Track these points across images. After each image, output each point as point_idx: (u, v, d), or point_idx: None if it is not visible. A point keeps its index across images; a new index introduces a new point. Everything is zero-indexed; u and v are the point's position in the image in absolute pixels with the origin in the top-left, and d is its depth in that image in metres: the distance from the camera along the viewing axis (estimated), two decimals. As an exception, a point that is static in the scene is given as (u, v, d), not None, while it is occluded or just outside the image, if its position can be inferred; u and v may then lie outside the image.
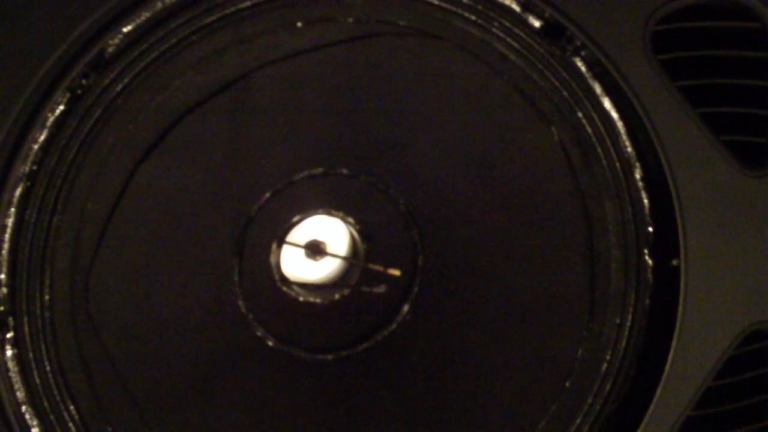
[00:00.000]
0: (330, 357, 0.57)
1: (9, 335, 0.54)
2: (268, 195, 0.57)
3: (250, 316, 0.56)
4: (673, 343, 0.54)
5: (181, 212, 0.55)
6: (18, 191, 0.54)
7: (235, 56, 0.54)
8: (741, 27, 0.55)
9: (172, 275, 0.55)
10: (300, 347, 0.57)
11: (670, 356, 0.54)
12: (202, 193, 0.55)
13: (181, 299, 0.55)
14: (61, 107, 0.54)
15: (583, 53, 0.55)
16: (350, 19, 0.55)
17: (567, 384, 0.56)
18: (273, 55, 0.55)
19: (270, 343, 0.56)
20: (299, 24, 0.55)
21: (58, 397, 0.54)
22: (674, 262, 0.55)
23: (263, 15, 0.54)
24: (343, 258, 0.58)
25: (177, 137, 0.54)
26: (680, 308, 0.54)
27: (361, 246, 0.57)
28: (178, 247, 0.56)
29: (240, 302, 0.56)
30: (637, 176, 0.56)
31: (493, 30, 0.55)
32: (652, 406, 0.54)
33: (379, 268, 0.57)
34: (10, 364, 0.54)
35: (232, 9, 0.54)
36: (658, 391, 0.54)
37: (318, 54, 0.55)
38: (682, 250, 0.54)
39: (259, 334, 0.56)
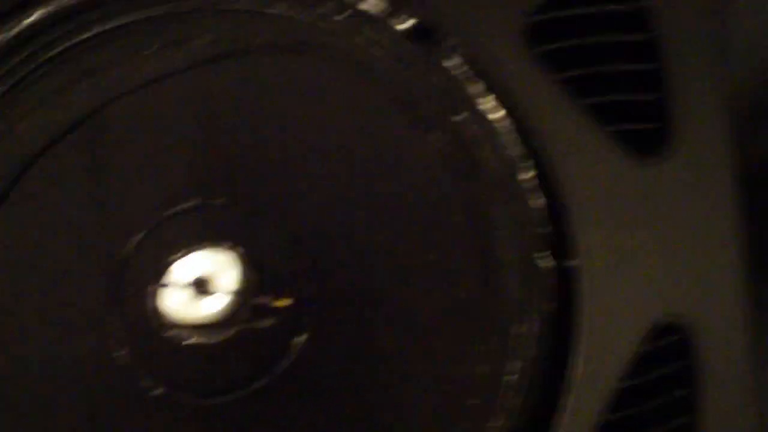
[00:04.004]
0: (226, 399, 0.54)
1: None
2: (141, 235, 0.53)
3: (134, 366, 0.53)
4: (579, 347, 0.52)
5: (44, 265, 0.52)
6: None
7: (84, 90, 0.51)
8: (620, 10, 0.53)
9: (42, 334, 0.52)
10: (192, 393, 0.54)
11: (577, 361, 0.52)
12: (67, 241, 0.52)
13: (55, 357, 0.52)
14: None
15: (457, 52, 0.52)
16: (206, 41, 0.52)
17: (472, 401, 0.53)
18: (126, 86, 0.51)
19: (158, 392, 0.53)
20: (151, 50, 0.51)
21: None
22: (572, 262, 0.52)
23: (110, 44, 0.50)
24: (231, 293, 0.54)
25: (29, 185, 0.50)
26: (582, 310, 0.52)
27: (249, 278, 0.54)
28: (46, 303, 0.52)
29: (121, 353, 0.52)
30: (526, 176, 0.53)
31: (359, 38, 0.52)
32: (562, 416, 0.52)
33: (267, 300, 0.53)
34: None
35: (76, 40, 0.50)
36: (568, 399, 0.52)
37: (175, 80, 0.51)
38: (578, 249, 0.52)
39: (145, 384, 0.53)
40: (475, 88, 0.53)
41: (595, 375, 0.52)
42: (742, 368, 0.54)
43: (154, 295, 0.54)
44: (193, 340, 0.54)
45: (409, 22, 0.53)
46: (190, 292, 0.55)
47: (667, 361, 0.54)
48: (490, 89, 0.53)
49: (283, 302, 0.54)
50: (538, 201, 0.54)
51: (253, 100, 0.53)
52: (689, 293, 0.53)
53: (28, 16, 0.50)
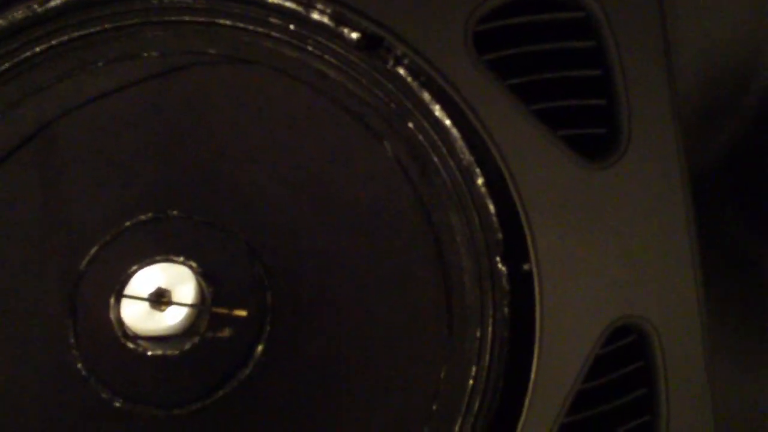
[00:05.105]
0: (185, 410, 0.54)
1: None
2: (96, 248, 0.53)
3: (92, 379, 0.53)
4: (536, 350, 0.52)
5: (0, 281, 0.51)
6: None
7: (33, 106, 0.51)
8: (566, 18, 0.53)
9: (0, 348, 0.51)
10: (151, 405, 0.54)
11: (534, 364, 0.52)
12: (20, 257, 0.52)
13: (13, 373, 0.52)
14: None
15: (405, 62, 0.53)
16: (154, 53, 0.52)
17: (434, 407, 0.54)
18: (75, 101, 0.51)
19: (117, 404, 0.53)
20: (100, 64, 0.51)
21: None
22: (526, 267, 0.52)
23: (58, 59, 0.50)
24: (189, 305, 0.54)
25: (-22, 203, 0.50)
26: (538, 313, 0.52)
27: (207, 290, 0.54)
28: (3, 317, 0.52)
29: (79, 365, 0.52)
30: (479, 183, 0.54)
31: (309, 48, 0.53)
32: (522, 418, 0.52)
33: (224, 310, 0.53)
34: None
35: (24, 56, 0.50)
36: (527, 401, 0.52)
37: (125, 94, 0.52)
38: (531, 254, 0.52)
39: (104, 396, 0.53)
40: (425, 95, 0.53)
41: (554, 377, 0.52)
42: (698, 366, 0.55)
43: (111, 307, 0.54)
44: (152, 352, 0.54)
45: (358, 32, 0.53)
46: (147, 304, 0.55)
47: (624, 362, 0.54)
48: (440, 97, 0.53)
49: (239, 313, 0.54)
50: (491, 207, 0.54)
51: (204, 113, 0.53)
52: (644, 294, 0.53)
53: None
